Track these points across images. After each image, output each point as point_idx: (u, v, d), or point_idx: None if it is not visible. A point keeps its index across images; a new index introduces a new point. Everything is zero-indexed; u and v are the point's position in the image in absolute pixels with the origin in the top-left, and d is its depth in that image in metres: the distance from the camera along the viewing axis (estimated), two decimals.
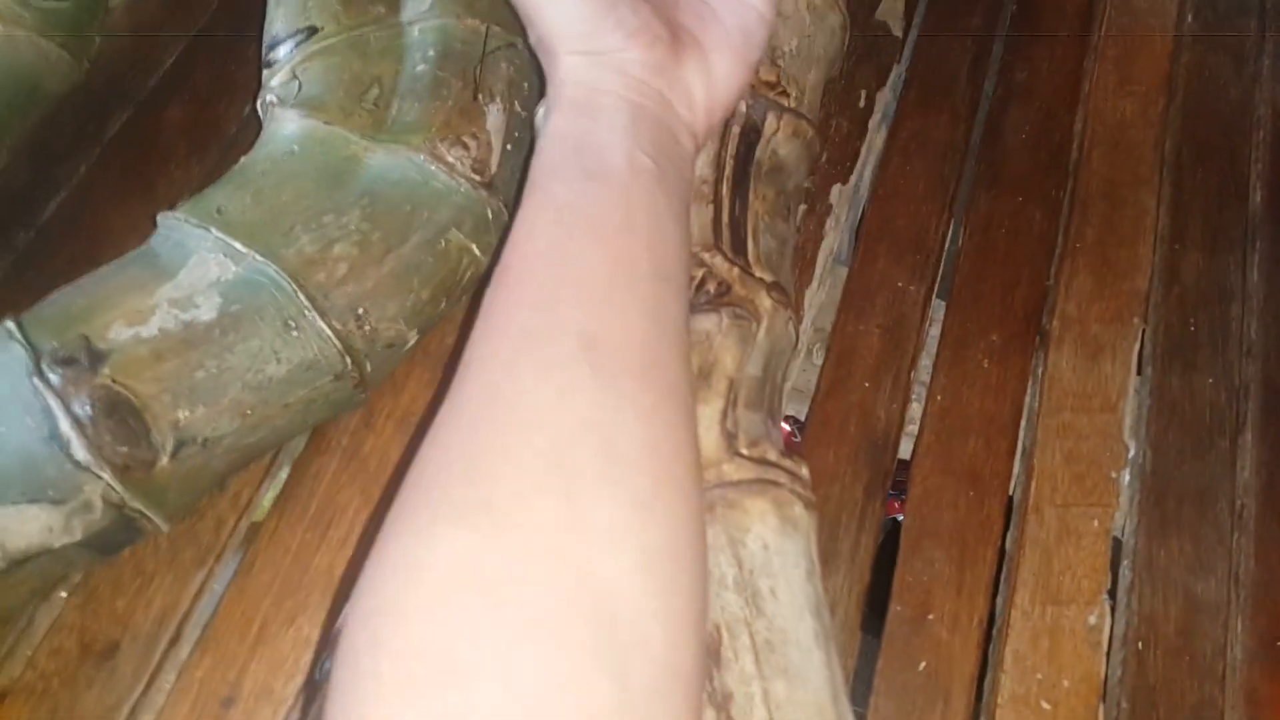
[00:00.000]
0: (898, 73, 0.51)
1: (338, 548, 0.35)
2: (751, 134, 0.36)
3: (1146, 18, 0.55)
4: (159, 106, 0.43)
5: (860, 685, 0.35)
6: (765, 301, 0.34)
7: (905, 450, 0.41)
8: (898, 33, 0.51)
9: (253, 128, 0.38)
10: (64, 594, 0.32)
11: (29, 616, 0.31)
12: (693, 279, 0.33)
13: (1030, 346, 0.43)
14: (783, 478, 0.30)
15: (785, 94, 0.38)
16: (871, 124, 0.48)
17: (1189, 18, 0.55)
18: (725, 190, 0.35)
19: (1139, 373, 0.44)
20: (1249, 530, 0.40)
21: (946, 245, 0.46)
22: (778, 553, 0.28)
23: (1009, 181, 0.48)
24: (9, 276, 0.38)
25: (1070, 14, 0.54)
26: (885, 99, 0.50)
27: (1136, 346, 0.44)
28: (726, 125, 0.36)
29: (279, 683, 0.32)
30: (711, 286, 0.33)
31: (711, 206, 0.35)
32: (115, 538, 0.30)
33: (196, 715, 0.31)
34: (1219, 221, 0.48)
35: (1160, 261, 0.46)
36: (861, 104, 0.49)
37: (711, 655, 0.27)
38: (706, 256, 0.34)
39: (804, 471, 0.31)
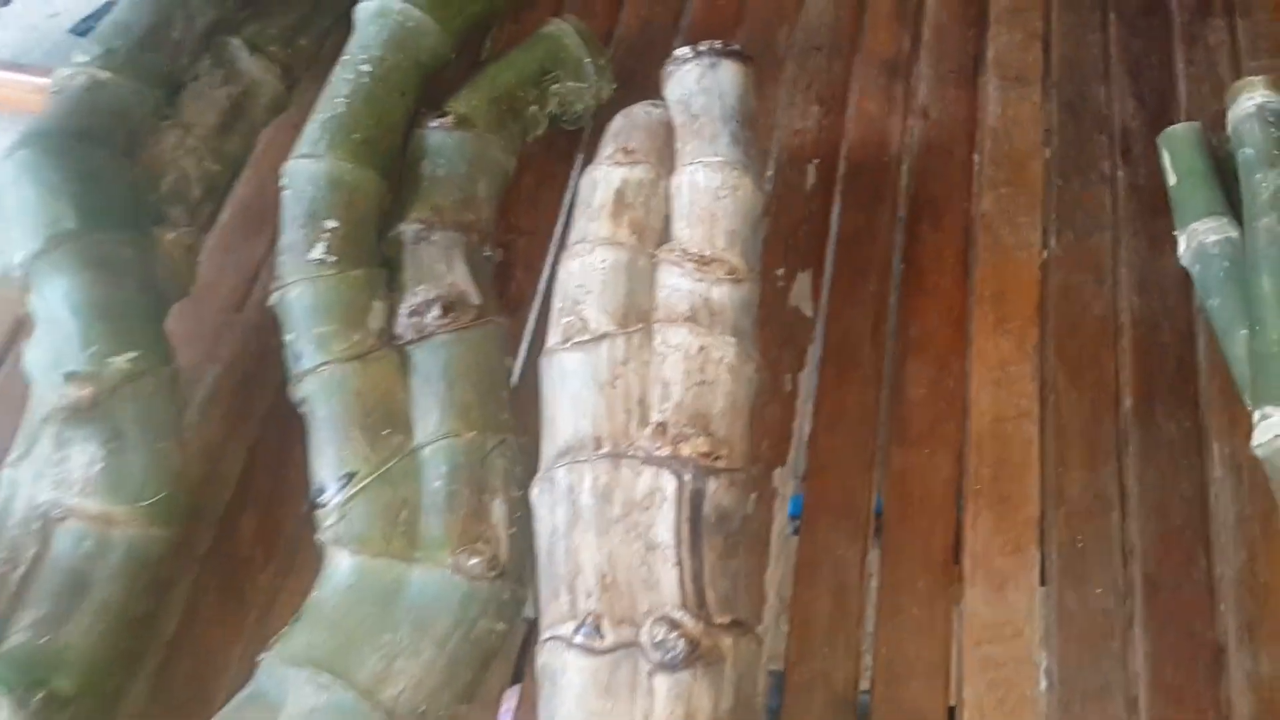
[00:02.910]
0: (813, 351, 0.61)
1: None
2: (697, 499, 0.45)
3: (1015, 252, 0.64)
4: (234, 519, 0.53)
5: None
6: (727, 642, 0.42)
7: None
8: (809, 313, 0.62)
9: (308, 525, 0.48)
10: None
11: None
12: (665, 637, 0.42)
13: (950, 587, 0.53)
14: None
15: (720, 458, 0.47)
16: (798, 405, 0.58)
17: (1051, 242, 0.65)
18: (684, 553, 0.44)
19: (1042, 584, 0.53)
20: (1141, 716, 0.49)
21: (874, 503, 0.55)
22: None
23: (915, 435, 0.57)
24: (150, 696, 0.48)
25: (951, 263, 0.64)
26: (806, 378, 0.60)
27: (1036, 570, 0.53)
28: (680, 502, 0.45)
29: None
30: (682, 646, 0.41)
31: (676, 569, 0.43)
32: None
33: None
34: (1095, 435, 0.58)
35: (1048, 485, 0.56)
36: (788, 388, 0.59)
37: None
38: (677, 615, 0.42)
39: None
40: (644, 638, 0.42)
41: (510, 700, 0.50)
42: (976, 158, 0.67)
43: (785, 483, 0.56)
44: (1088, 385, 0.59)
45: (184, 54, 0.58)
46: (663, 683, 0.41)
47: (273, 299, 0.52)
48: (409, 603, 0.45)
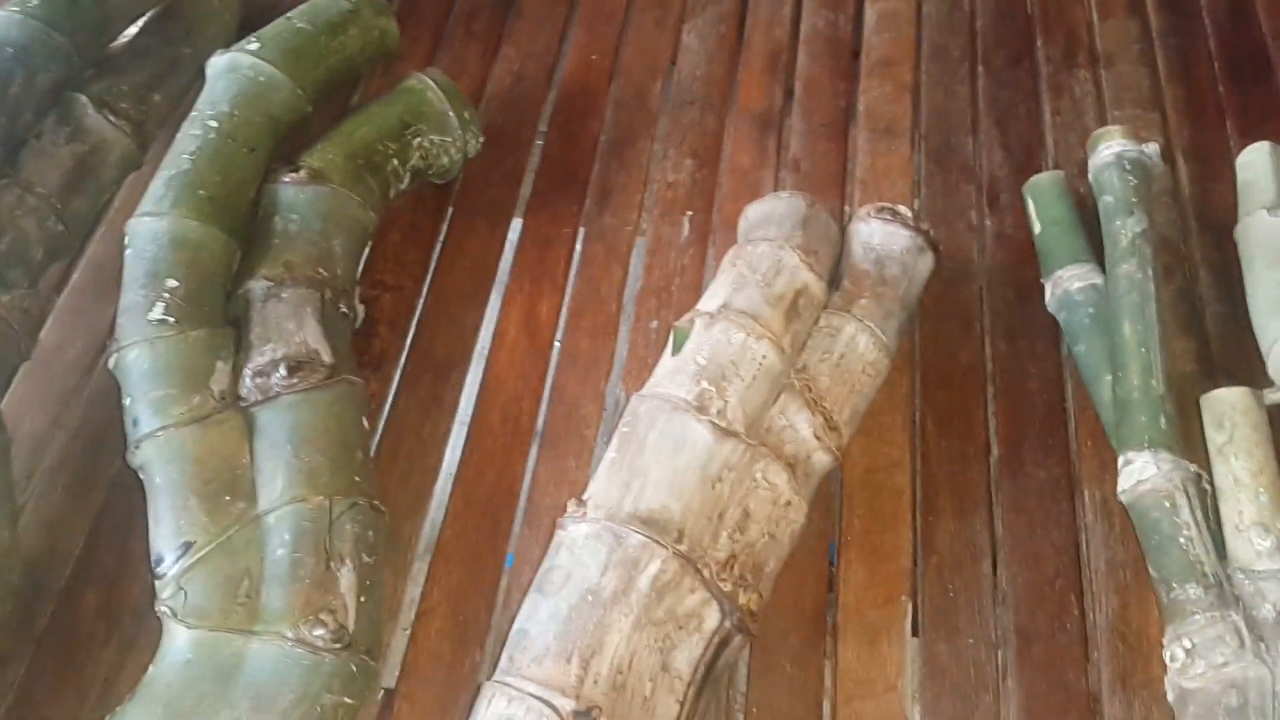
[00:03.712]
0: None
1: None
2: (722, 646, 0.46)
3: None
4: (76, 593, 0.53)
5: None
6: None
7: None
8: None
9: (154, 600, 0.47)
10: None
11: None
12: None
13: (822, 642, 0.54)
14: None
15: (757, 619, 0.48)
16: None
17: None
18: (690, 694, 0.44)
19: (914, 635, 0.54)
20: None
21: None
22: None
23: None
24: None
25: None
26: None
27: (908, 621, 0.54)
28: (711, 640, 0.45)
29: None
30: None
31: (677, 707, 0.44)
32: None
33: None
34: (964, 484, 0.59)
35: (919, 535, 0.57)
36: None
37: None
38: None
39: None
40: None
41: None
42: (847, 209, 0.69)
43: None
44: (957, 434, 0.61)
45: (24, 110, 0.57)
46: None
47: (111, 362, 0.52)
48: (248, 678, 0.44)
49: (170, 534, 0.47)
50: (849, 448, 0.59)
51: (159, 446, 0.49)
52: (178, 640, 0.45)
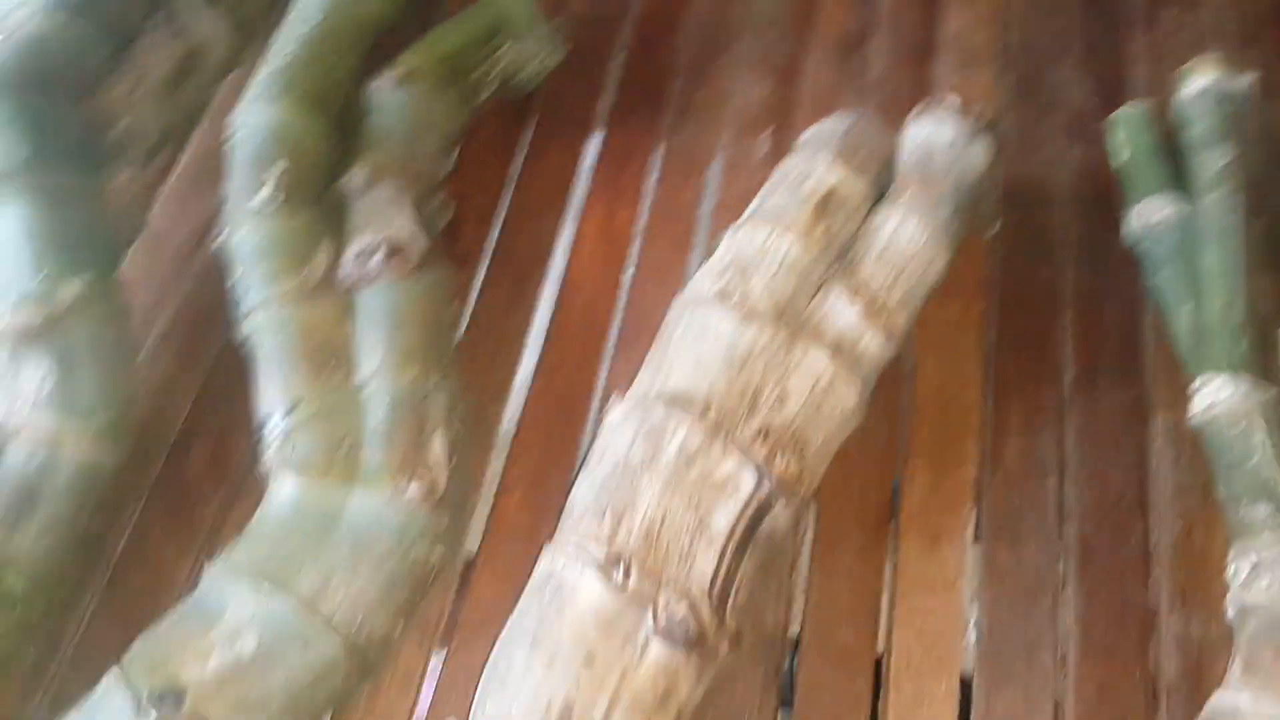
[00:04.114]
0: None
1: None
2: (762, 511, 0.49)
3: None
4: (185, 449, 0.59)
5: None
6: (724, 647, 0.46)
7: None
8: None
9: (258, 461, 0.53)
10: None
11: None
12: (682, 613, 0.45)
13: (884, 542, 0.58)
14: None
15: (799, 486, 0.50)
16: None
17: (1000, 218, 0.70)
18: (730, 550, 0.47)
19: (976, 542, 0.58)
20: (1070, 671, 0.54)
21: None
22: None
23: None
24: (99, 608, 0.54)
25: None
26: None
27: (970, 528, 0.59)
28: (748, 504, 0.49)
29: None
30: (692, 628, 0.45)
31: (716, 559, 0.47)
32: None
33: None
34: (1035, 403, 0.63)
35: (987, 449, 0.61)
36: None
37: None
38: (699, 600, 0.45)
39: None
40: (661, 600, 0.45)
41: (436, 663, 0.55)
42: None
43: None
44: (1031, 356, 0.65)
45: (137, 4, 0.63)
46: (658, 649, 0.44)
47: (221, 241, 0.58)
48: (348, 525, 0.50)
49: (278, 394, 0.53)
50: (921, 363, 0.64)
51: (267, 318, 0.54)
52: (284, 489, 0.51)
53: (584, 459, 0.60)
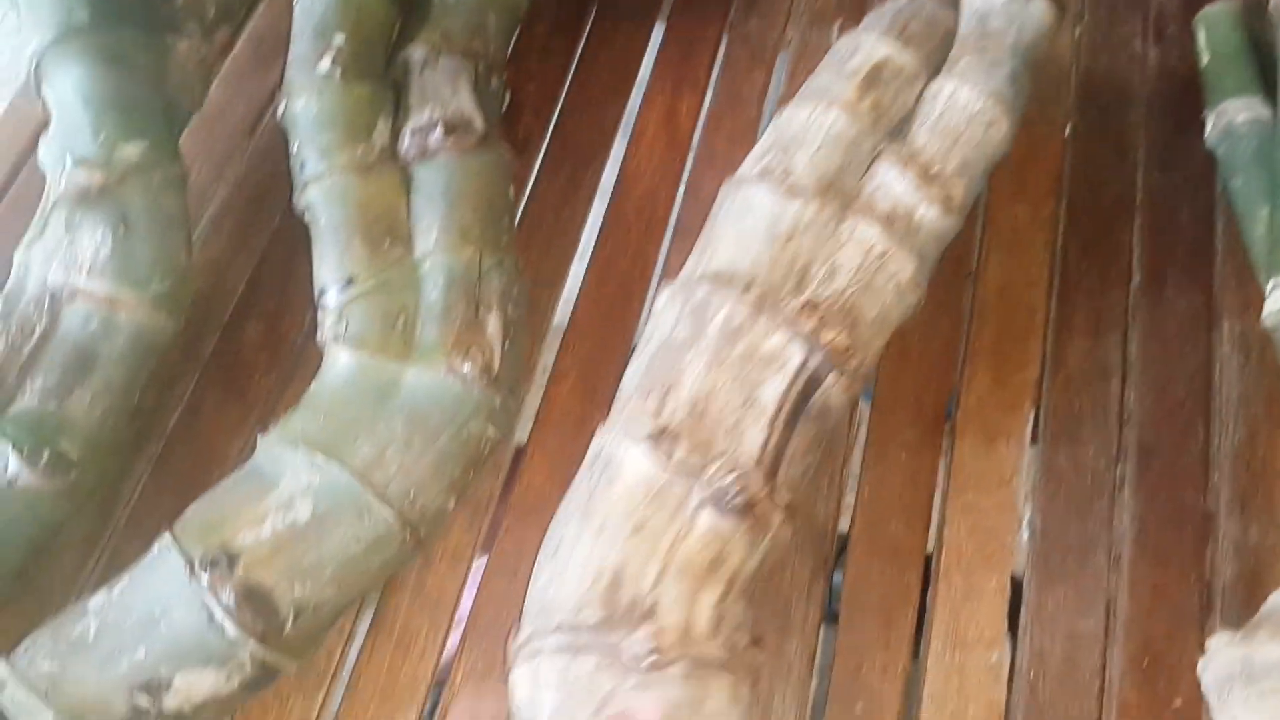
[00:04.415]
0: None
1: (418, 661, 0.50)
2: (812, 385, 0.47)
3: (1036, 125, 0.67)
4: (239, 327, 0.58)
5: None
6: (777, 519, 0.45)
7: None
8: None
9: (313, 338, 0.53)
10: (229, 718, 0.47)
11: None
12: (729, 482, 0.44)
13: (939, 439, 0.57)
14: (744, 663, 0.42)
15: (850, 360, 0.48)
16: None
17: (1075, 117, 0.68)
18: (779, 424, 0.46)
19: (1034, 444, 0.57)
20: (1123, 572, 0.53)
21: None
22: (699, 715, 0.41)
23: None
24: (151, 480, 0.54)
25: None
26: None
27: (1028, 429, 0.57)
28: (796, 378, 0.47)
29: None
30: (741, 499, 0.44)
31: (765, 433, 0.45)
32: (261, 682, 0.45)
33: None
34: (1101, 306, 0.61)
35: (1048, 351, 0.59)
36: None
37: None
38: (748, 471, 0.44)
39: (761, 658, 0.44)
40: (710, 472, 0.44)
41: (479, 565, 0.54)
42: None
43: None
44: (1099, 258, 0.62)
45: None
46: (707, 518, 0.43)
47: (280, 110, 0.56)
48: (403, 399, 0.49)
49: (334, 268, 0.52)
50: (986, 262, 0.62)
51: (325, 189, 0.53)
52: (340, 362, 0.50)
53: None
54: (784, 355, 0.47)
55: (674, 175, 0.65)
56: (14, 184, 0.63)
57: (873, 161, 0.53)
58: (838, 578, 0.54)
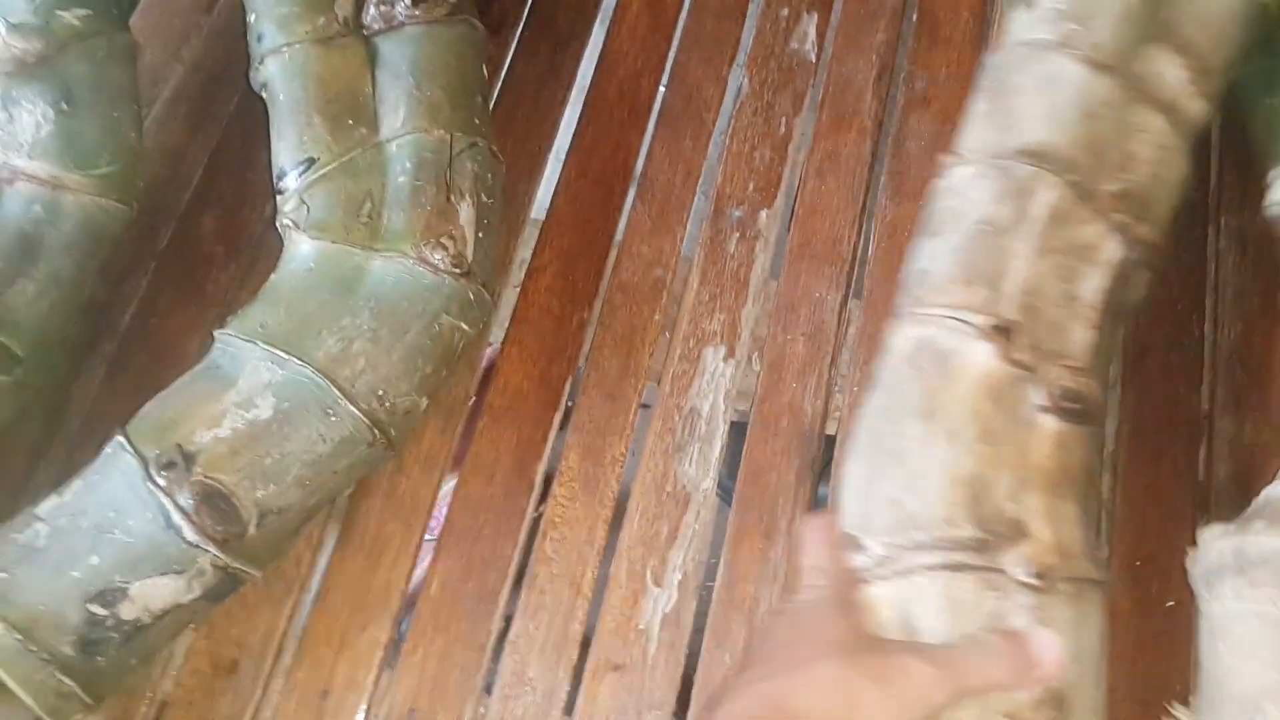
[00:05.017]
0: (812, 96, 0.60)
1: (390, 568, 0.47)
2: (1124, 277, 0.43)
3: None
4: (195, 217, 0.54)
5: None
6: (1099, 398, 0.42)
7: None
8: (811, 57, 0.61)
9: (274, 228, 0.48)
10: (193, 628, 0.44)
11: (169, 649, 0.44)
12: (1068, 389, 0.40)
13: None
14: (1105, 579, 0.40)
15: (1156, 255, 0.45)
16: (791, 149, 0.58)
17: None
18: (1104, 320, 0.42)
19: None
20: (1118, 472, 0.51)
21: (859, 253, 0.56)
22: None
23: (912, 189, 0.57)
24: (104, 382, 0.49)
25: (966, 17, 0.62)
26: (803, 123, 0.59)
27: None
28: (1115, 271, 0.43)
29: (361, 675, 0.45)
30: (1080, 404, 0.40)
31: (1093, 332, 0.42)
32: (224, 589, 0.42)
33: (302, 708, 0.44)
34: None
35: None
36: (781, 131, 0.58)
37: None
38: (1082, 377, 0.41)
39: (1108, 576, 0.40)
40: (1050, 374, 0.40)
41: (449, 485, 0.51)
42: None
43: (771, 225, 0.56)
44: None
45: None
46: (1051, 424, 0.40)
47: None
48: (369, 290, 0.45)
49: (293, 149, 0.47)
50: None
51: (283, 63, 0.48)
52: (301, 250, 0.46)
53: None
54: (1103, 248, 0.42)
55: (659, 57, 0.61)
56: None
57: (1147, 43, 0.48)
58: (823, 489, 0.51)
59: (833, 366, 0.53)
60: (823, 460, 0.51)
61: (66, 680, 0.39)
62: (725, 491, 0.51)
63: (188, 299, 0.51)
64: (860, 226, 0.56)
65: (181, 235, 0.53)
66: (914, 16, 0.62)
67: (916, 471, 0.39)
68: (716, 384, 0.52)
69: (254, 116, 0.52)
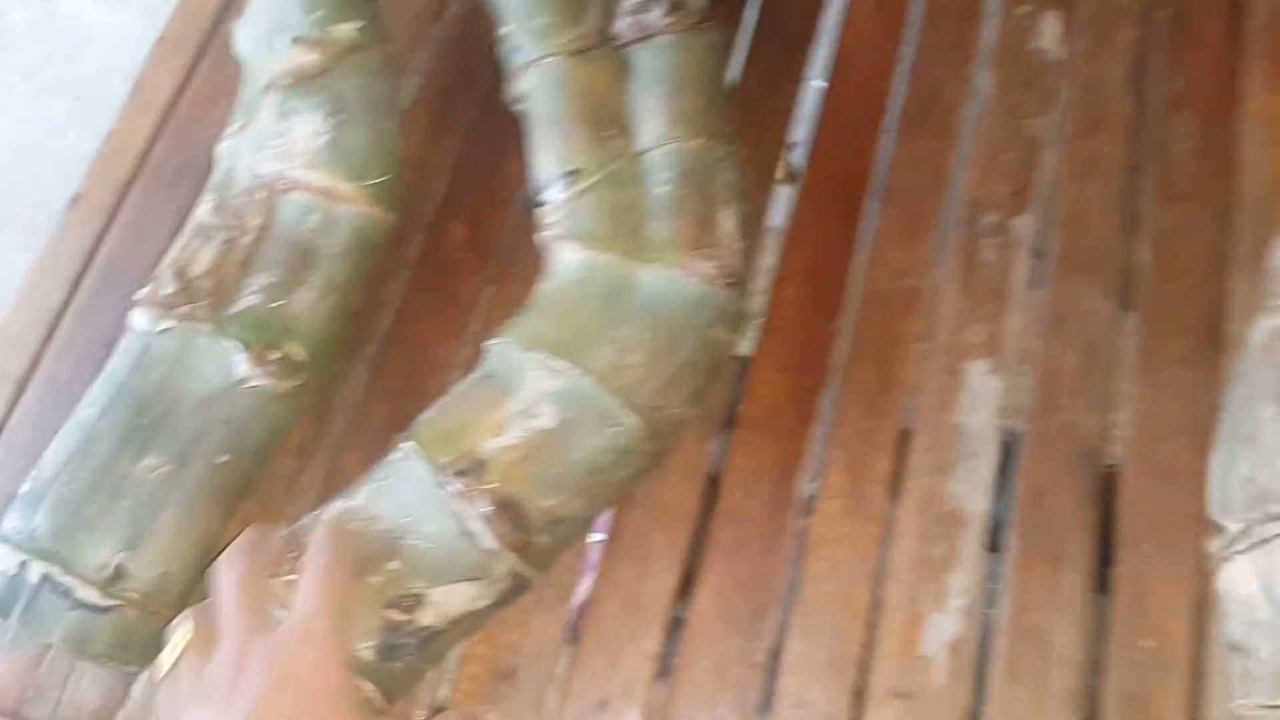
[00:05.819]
0: (1059, 97, 0.57)
1: (662, 578, 0.46)
2: None
3: None
4: (443, 227, 0.53)
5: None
6: None
7: None
8: (1057, 57, 0.57)
9: (524, 237, 0.47)
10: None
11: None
12: None
13: (1214, 353, 0.50)
14: None
15: None
16: (1041, 151, 0.55)
17: None
18: None
19: None
20: None
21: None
22: None
23: (1182, 192, 0.53)
24: (367, 383, 0.49)
25: (1224, 10, 0.58)
26: (1052, 124, 0.56)
27: None
28: None
29: (635, 687, 0.44)
30: None
31: None
32: (513, 595, 0.41)
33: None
34: None
35: None
36: (1030, 133, 0.55)
37: None
38: None
39: None
40: None
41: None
42: None
43: (1027, 231, 0.53)
44: None
45: None
46: None
47: None
48: (641, 300, 0.44)
49: (556, 162, 0.46)
50: (1249, 157, 0.54)
51: (544, 74, 0.47)
52: (569, 261, 0.45)
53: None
54: None
55: (894, 59, 0.58)
56: (195, 75, 0.58)
57: None
58: None
59: (1110, 381, 0.49)
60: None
61: (366, 683, 0.38)
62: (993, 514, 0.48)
63: (440, 305, 0.51)
64: (1129, 233, 0.53)
65: (431, 244, 0.53)
66: (1167, 12, 0.58)
67: (1271, 449, 0.40)
68: (984, 399, 0.49)
69: (494, 128, 0.51)
